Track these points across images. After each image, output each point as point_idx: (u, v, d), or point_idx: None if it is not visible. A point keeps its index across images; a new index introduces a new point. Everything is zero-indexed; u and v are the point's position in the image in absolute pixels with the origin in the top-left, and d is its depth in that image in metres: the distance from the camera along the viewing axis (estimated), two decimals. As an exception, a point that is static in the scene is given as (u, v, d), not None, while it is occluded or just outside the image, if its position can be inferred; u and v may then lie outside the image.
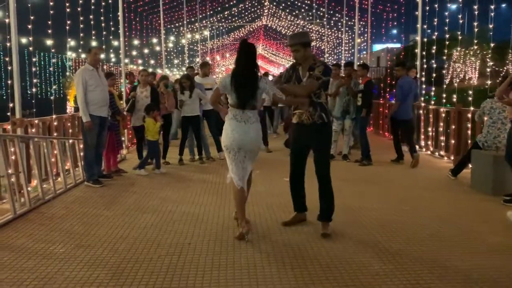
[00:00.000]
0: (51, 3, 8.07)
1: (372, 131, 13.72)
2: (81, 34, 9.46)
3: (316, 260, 3.57)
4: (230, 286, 3.15)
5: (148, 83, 7.96)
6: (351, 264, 3.50)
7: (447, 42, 10.47)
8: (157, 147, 7.45)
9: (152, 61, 21.45)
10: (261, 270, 3.39)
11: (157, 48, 16.79)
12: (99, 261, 3.60)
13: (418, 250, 3.80)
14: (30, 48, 7.78)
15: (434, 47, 10.13)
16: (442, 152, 8.71)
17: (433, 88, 16.03)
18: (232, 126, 4.05)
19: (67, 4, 8.62)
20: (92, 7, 9.86)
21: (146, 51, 21.58)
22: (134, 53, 21.30)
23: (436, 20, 9.75)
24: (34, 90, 8.05)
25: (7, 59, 5.74)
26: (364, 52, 37.25)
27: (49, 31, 8.39)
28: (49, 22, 8.42)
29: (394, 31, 23.03)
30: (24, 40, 9.84)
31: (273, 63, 57.68)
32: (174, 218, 4.76)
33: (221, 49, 32.79)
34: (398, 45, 33.91)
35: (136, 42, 19.82)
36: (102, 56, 7.93)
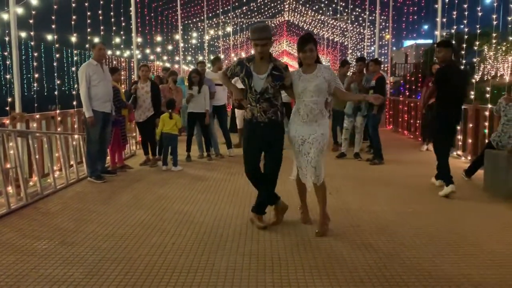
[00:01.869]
0: (73, 4, 8.17)
1: (391, 129, 13.37)
2: (101, 31, 9.51)
3: (299, 263, 3.41)
4: (203, 289, 3.02)
5: (160, 77, 7.92)
6: (335, 266, 3.31)
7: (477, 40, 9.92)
8: (174, 141, 7.36)
9: (166, 57, 21.51)
10: (238, 273, 3.25)
11: (180, 45, 16.73)
12: (78, 259, 3.54)
13: (410, 255, 3.58)
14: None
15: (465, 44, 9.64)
16: (459, 152, 8.33)
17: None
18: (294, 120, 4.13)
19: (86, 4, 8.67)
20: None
21: (169, 47, 21.69)
22: (158, 49, 21.45)
23: (466, 14, 9.26)
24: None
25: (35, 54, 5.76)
26: (394, 48, 36.41)
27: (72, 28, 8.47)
28: (73, 18, 8.50)
29: (425, 27, 22.26)
30: (49, 37, 10.02)
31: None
32: (165, 217, 4.68)
33: (245, 44, 32.58)
34: (429, 41, 32.94)
35: (157, 38, 19.94)
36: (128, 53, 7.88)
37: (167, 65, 21.57)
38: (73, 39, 8.72)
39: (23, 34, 8.09)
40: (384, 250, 3.69)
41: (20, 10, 6.11)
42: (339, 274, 3.23)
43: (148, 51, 21.27)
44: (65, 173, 6.19)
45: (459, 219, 4.60)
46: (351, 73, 8.63)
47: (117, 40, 13.93)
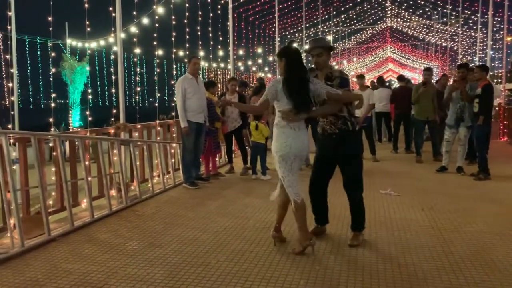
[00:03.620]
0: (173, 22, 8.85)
1: (506, 141, 12.11)
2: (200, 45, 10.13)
3: (384, 283, 3.23)
4: (273, 301, 3.02)
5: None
6: None
7: None
8: (262, 150, 7.49)
9: (268, 68, 21.97)
10: (311, 287, 3.19)
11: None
12: (161, 261, 3.76)
13: (506, 283, 3.19)
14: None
15: None
16: None
17: None
18: (286, 134, 3.84)
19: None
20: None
21: (270, 59, 22.19)
22: (259, 61, 22.10)
23: None
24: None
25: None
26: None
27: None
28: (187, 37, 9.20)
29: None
30: (181, 53, 10.91)
31: (406, 66, 54.52)
32: (247, 225, 4.77)
33: (346, 52, 32.15)
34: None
35: (258, 50, 20.54)
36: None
37: (269, 75, 22.08)
38: (180, 53, 9.40)
39: (138, 51, 8.94)
40: (475, 276, 3.34)
41: (123, 35, 6.77)
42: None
43: (250, 62, 22.03)
44: (162, 179, 6.64)
45: None
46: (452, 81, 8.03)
47: (220, 53, 14.66)
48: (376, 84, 12.38)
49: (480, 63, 9.66)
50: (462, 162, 7.71)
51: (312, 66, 4.31)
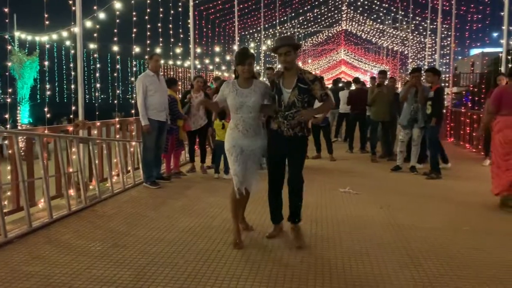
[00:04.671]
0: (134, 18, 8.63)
1: (452, 142, 12.78)
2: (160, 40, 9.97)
3: (342, 278, 3.34)
4: (244, 299, 3.05)
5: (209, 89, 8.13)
6: (380, 286, 3.21)
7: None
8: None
9: (225, 67, 21.98)
10: (280, 284, 3.24)
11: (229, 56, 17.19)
12: (128, 262, 3.69)
13: (462, 276, 3.39)
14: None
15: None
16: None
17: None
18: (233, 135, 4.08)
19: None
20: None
21: (228, 57, 22.16)
22: (217, 59, 22.00)
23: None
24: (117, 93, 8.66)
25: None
26: (460, 57, 34.73)
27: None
28: (134, 30, 8.99)
29: (495, 34, 21.11)
30: (115, 48, 10.66)
31: (358, 69, 56.14)
32: (213, 224, 4.76)
33: (301, 54, 32.67)
34: (499, 49, 31.16)
35: (216, 49, 20.46)
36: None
37: (226, 74, 22.02)
38: (136, 50, 9.20)
39: (92, 45, 8.67)
40: (434, 271, 3.52)
41: (88, 24, 6.56)
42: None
43: (207, 61, 21.87)
44: (122, 178, 6.49)
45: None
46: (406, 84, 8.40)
47: (177, 51, 14.46)
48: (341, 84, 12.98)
49: (431, 67, 10.19)
50: (415, 162, 8.07)
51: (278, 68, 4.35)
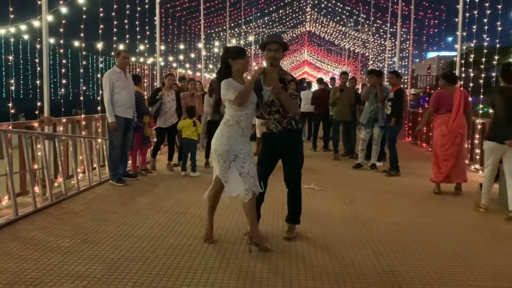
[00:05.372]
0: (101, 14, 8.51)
1: (410, 142, 13.33)
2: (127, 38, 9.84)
3: (309, 270, 3.51)
4: (216, 289, 3.16)
5: (175, 86, 8.14)
6: (346, 273, 3.41)
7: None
8: (193, 147, 7.53)
9: (189, 65, 21.91)
10: (251, 275, 3.37)
11: (202, 53, 17.13)
12: (99, 257, 3.71)
13: (418, 265, 3.64)
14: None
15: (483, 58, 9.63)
16: (477, 166, 8.30)
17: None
18: (229, 133, 3.95)
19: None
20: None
21: (192, 55, 22.07)
22: (181, 57, 21.81)
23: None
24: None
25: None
26: (417, 60, 36.01)
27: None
28: (101, 27, 8.86)
29: (450, 39, 22.17)
30: (77, 43, 10.46)
31: (320, 69, 57.09)
32: (182, 220, 4.84)
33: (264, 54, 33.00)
34: (454, 53, 32.60)
35: (180, 46, 20.33)
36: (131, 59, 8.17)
37: (190, 72, 21.91)
38: (99, 46, 9.07)
39: (52, 41, 8.48)
40: (394, 261, 3.76)
41: (50, 18, 6.42)
42: (348, 279, 3.32)
43: (171, 58, 21.67)
44: (88, 175, 6.43)
45: (469, 232, 4.62)
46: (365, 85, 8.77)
47: (141, 47, 14.31)
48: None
49: (392, 70, 10.65)
50: (375, 160, 8.42)
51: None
